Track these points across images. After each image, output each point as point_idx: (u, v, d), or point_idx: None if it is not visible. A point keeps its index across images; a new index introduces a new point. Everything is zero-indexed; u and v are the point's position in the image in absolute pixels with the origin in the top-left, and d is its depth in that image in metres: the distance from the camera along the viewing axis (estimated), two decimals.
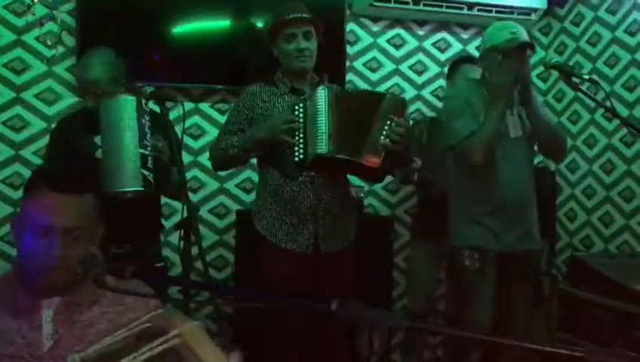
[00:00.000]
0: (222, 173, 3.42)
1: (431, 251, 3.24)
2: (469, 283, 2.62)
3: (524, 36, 2.54)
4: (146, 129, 2.17)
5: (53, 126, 2.66)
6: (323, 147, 2.29)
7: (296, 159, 2.35)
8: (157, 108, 2.27)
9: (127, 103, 2.14)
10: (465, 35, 3.95)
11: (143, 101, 2.17)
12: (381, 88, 3.74)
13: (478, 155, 2.49)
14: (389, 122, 2.28)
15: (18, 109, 3.17)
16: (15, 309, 1.38)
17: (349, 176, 2.70)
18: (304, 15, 2.46)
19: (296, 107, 2.37)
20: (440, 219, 2.78)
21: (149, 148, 2.16)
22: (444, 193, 2.88)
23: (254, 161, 2.69)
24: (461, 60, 3.38)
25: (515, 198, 2.59)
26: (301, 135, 2.34)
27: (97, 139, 2.31)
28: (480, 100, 2.60)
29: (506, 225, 2.58)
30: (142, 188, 2.12)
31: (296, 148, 2.34)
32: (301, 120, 2.35)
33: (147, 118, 2.18)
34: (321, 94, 2.33)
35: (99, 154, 2.30)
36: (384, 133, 2.28)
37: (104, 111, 2.18)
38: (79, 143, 2.42)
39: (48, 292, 1.40)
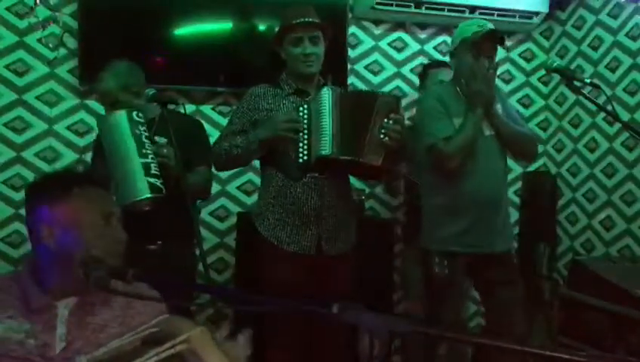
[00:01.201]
0: (223, 176, 3.43)
1: (419, 255, 3.22)
2: (438, 289, 2.63)
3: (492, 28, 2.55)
4: (144, 138, 2.21)
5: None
6: (327, 148, 2.30)
7: (300, 160, 2.36)
8: (158, 111, 2.30)
9: (117, 119, 2.21)
10: None
11: (134, 113, 2.22)
12: (383, 91, 3.74)
13: (454, 160, 2.50)
14: (385, 120, 2.31)
15: (20, 111, 3.18)
16: (28, 309, 1.37)
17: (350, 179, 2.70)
18: (311, 19, 2.45)
19: (301, 108, 2.38)
20: None
21: (150, 156, 2.20)
22: None
23: (256, 163, 2.69)
24: (430, 65, 3.44)
25: (487, 198, 2.56)
26: (305, 136, 2.35)
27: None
28: (454, 101, 2.60)
29: (477, 225, 2.55)
30: (150, 196, 2.18)
31: (300, 150, 2.35)
32: (305, 121, 2.35)
33: (142, 127, 2.23)
34: (326, 96, 2.34)
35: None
36: (382, 130, 2.31)
37: (101, 132, 2.28)
38: None
39: (94, 285, 1.36)
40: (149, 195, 2.17)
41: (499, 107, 2.64)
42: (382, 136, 2.31)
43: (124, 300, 1.43)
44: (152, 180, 2.18)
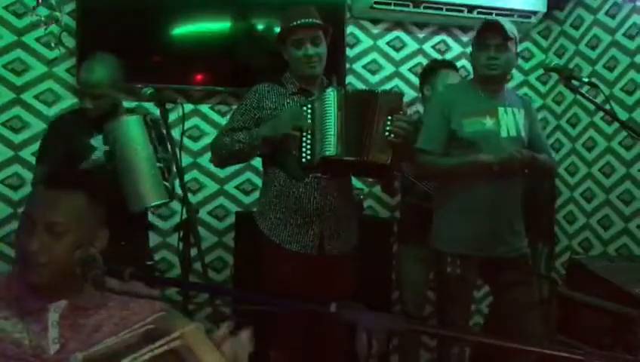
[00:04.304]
0: (221, 175, 3.43)
1: (417, 254, 3.22)
2: (450, 288, 2.62)
3: None
4: (156, 144, 2.31)
5: (46, 127, 2.72)
6: (331, 149, 2.29)
7: (304, 160, 2.35)
8: (156, 110, 2.31)
9: (134, 124, 2.28)
10: (465, 38, 3.95)
11: (149, 117, 2.27)
12: (384, 89, 3.73)
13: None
14: (389, 117, 2.30)
15: (18, 110, 3.17)
16: (22, 310, 1.36)
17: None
18: (311, 20, 2.44)
19: (305, 108, 2.37)
20: (424, 221, 2.78)
21: (162, 161, 2.30)
22: (427, 195, 2.88)
23: (254, 162, 2.69)
24: (438, 65, 3.37)
25: (499, 202, 2.54)
26: (309, 136, 2.34)
27: (94, 141, 2.43)
28: (469, 100, 2.58)
29: (488, 229, 2.53)
30: (168, 200, 2.30)
31: (304, 149, 2.34)
32: (309, 121, 2.35)
33: (154, 132, 2.32)
34: (331, 96, 2.34)
35: (95, 155, 2.41)
36: (387, 128, 2.29)
37: (114, 134, 2.30)
38: (76, 144, 2.47)
39: (45, 292, 1.38)
40: (166, 200, 2.29)
41: (522, 112, 2.63)
42: (387, 133, 2.29)
43: (120, 301, 1.41)
44: (166, 184, 2.29)
